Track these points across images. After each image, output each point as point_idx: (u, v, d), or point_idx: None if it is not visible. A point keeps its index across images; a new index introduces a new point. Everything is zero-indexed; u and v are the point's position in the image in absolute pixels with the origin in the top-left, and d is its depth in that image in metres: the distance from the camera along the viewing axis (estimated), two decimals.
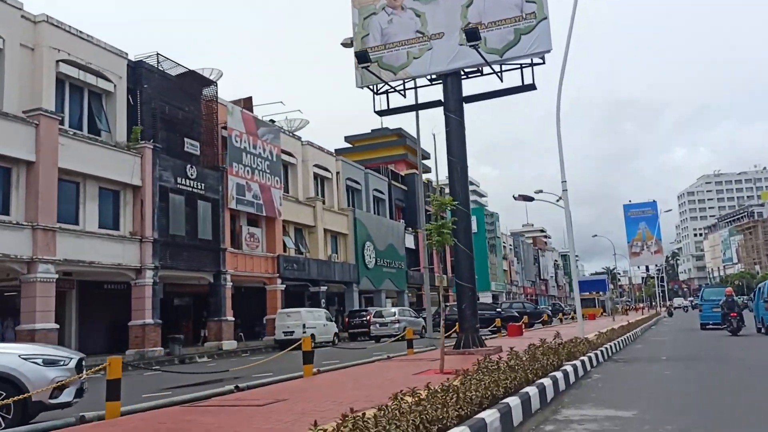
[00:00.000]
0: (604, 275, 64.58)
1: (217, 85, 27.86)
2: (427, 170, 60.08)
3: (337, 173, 40.28)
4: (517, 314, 29.93)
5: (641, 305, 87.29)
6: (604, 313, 56.39)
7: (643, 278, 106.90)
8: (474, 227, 63.64)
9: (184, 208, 25.04)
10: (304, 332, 26.80)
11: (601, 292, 59.27)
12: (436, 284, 53.33)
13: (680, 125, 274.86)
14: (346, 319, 33.92)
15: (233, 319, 27.47)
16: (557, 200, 14.33)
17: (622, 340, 19.01)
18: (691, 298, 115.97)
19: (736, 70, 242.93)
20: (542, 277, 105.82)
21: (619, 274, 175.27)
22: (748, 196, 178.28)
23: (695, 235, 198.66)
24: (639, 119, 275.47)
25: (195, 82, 26.75)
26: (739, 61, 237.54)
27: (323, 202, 38.11)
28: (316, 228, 35.47)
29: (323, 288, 35.15)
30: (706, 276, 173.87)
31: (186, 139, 25.57)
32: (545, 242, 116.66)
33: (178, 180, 24.73)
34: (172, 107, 25.50)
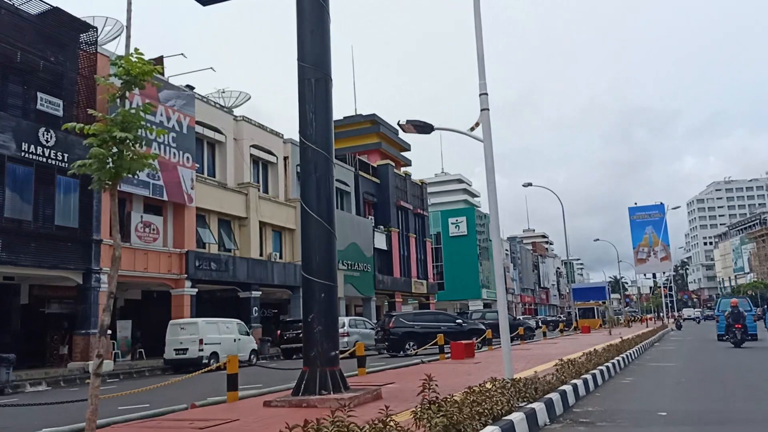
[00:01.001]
0: (604, 282, 57.78)
1: (97, 31, 21.75)
2: (407, 163, 53.78)
3: (285, 158, 34.05)
4: (483, 327, 23.55)
5: (648, 316, 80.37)
6: (603, 326, 49.71)
7: (650, 287, 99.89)
8: (464, 229, 56.92)
9: (33, 184, 18.88)
10: (201, 350, 20.51)
11: (601, 302, 52.62)
12: (412, 290, 46.91)
13: (692, 133, 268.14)
14: (278, 332, 27.58)
15: (112, 331, 21.17)
16: (471, 129, 7.48)
17: (606, 367, 12.60)
18: (700, 310, 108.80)
19: (749, 78, 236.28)
20: (543, 285, 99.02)
21: (627, 283, 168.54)
22: (759, 204, 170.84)
23: (705, 243, 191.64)
24: (651, 127, 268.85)
25: (64, 25, 20.62)
26: (752, 69, 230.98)
27: (260, 190, 31.88)
28: (248, 220, 29.18)
29: (255, 293, 28.83)
30: (717, 286, 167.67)
31: (41, 95, 19.42)
32: (546, 248, 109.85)
33: (23, 146, 18.59)
34: (26, 54, 19.39)
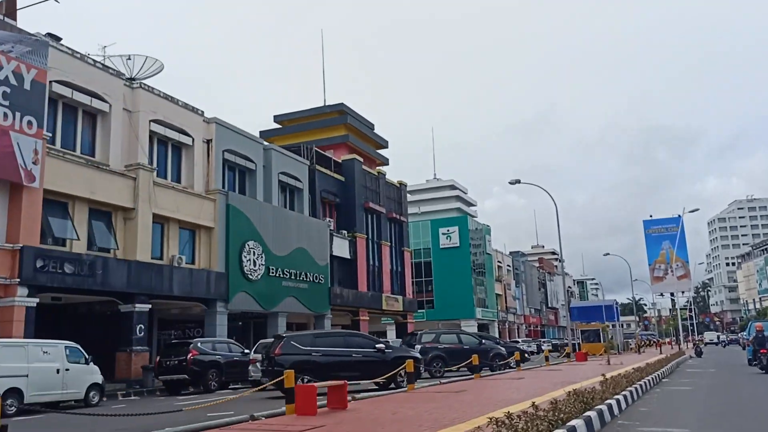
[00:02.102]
0: (611, 301, 50.18)
1: None
2: (383, 162, 47.08)
3: (208, 141, 27.57)
4: (416, 356, 16.77)
5: (667, 340, 72.35)
6: (611, 351, 42.21)
7: (669, 309, 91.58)
8: (456, 240, 49.61)
9: None
10: None
11: (609, 324, 45.13)
12: (383, 307, 39.85)
13: (714, 153, 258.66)
14: (157, 359, 20.84)
15: None
16: None
17: None
18: (725, 333, 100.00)
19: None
20: (551, 305, 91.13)
21: (645, 305, 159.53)
22: None
23: (728, 264, 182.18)
24: (672, 146, 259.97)
25: None
26: None
27: (168, 177, 25.38)
28: (136, 212, 22.59)
29: (141, 306, 22.12)
30: (740, 308, 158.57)
31: None
32: (555, 266, 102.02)
33: None
34: None
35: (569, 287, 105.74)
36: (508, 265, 75.55)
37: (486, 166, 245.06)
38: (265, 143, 32.01)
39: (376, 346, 16.26)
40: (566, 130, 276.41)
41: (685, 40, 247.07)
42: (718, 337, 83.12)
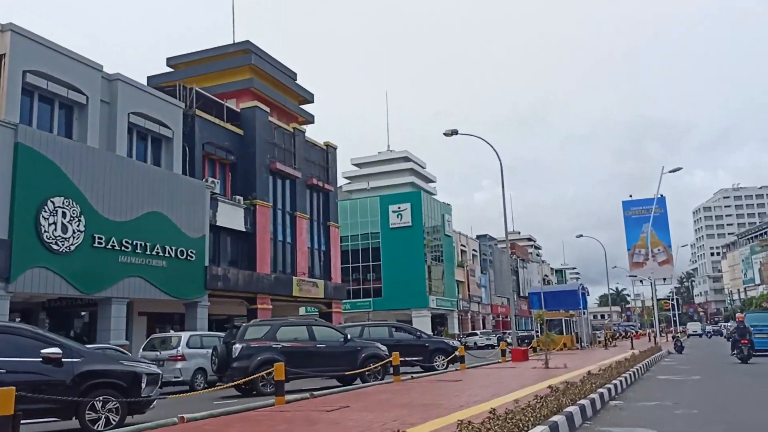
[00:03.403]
0: (575, 285, 42.37)
1: None
2: (306, 120, 38.97)
3: (0, 56, 19.44)
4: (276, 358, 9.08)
5: (641, 332, 65.07)
6: (574, 346, 34.50)
7: (652, 299, 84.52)
8: (407, 219, 39.33)
9: None
10: None
11: (574, 312, 37.43)
12: (294, 294, 32.03)
13: (704, 147, 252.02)
14: None
15: None
16: None
17: None
18: (711, 325, 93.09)
19: (762, 91, 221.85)
20: (523, 294, 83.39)
21: (629, 295, 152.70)
22: None
23: (712, 254, 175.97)
24: (663, 141, 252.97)
25: None
26: (762, 84, 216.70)
27: None
28: None
29: None
30: (725, 299, 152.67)
31: None
32: (530, 252, 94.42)
33: None
34: None
35: (546, 276, 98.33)
36: (474, 250, 67.79)
37: (477, 159, 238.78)
38: (107, 72, 23.74)
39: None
40: (558, 124, 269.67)
41: (678, 34, 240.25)
42: (704, 329, 76.02)
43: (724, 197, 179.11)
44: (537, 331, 36.81)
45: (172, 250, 24.00)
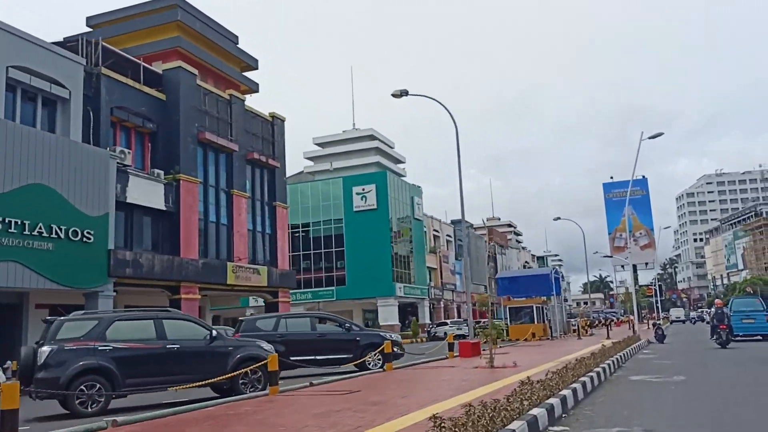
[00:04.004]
0: (548, 269, 38.80)
1: None
2: (251, 89, 34.99)
3: None
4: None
5: (622, 319, 62.06)
6: (544, 336, 31.06)
7: (634, 284, 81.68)
8: (372, 201, 36.10)
9: None
10: None
11: (546, 298, 33.98)
12: (229, 282, 28.23)
13: (689, 135, 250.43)
14: None
15: None
16: None
17: None
18: (695, 311, 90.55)
19: (746, 79, 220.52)
20: None
21: (612, 282, 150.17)
22: (753, 198, 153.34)
23: (695, 240, 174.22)
24: (649, 129, 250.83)
25: None
26: (750, 71, 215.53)
27: None
28: None
29: None
30: (708, 285, 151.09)
31: None
32: (508, 238, 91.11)
33: None
34: None
35: (526, 262, 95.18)
36: (449, 235, 64.25)
37: (464, 148, 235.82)
38: None
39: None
40: (545, 114, 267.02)
41: (664, 22, 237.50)
42: (688, 315, 73.29)
43: (707, 183, 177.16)
44: (507, 321, 33.33)
45: (61, 230, 20.02)
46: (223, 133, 29.17)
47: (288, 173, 35.88)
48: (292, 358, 15.18)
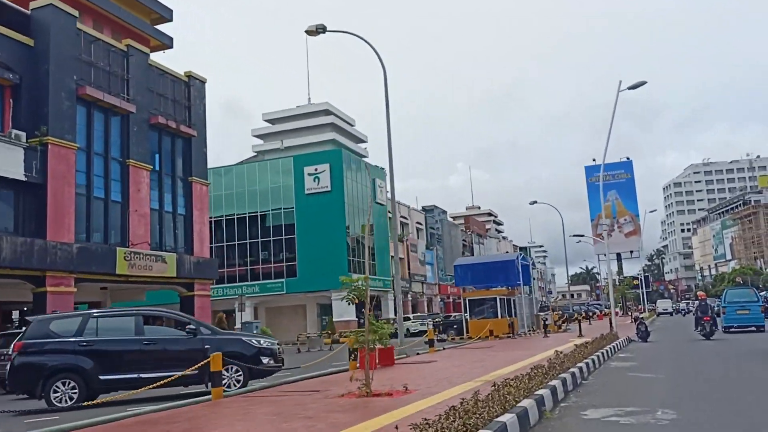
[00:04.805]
0: (512, 255, 33.78)
1: None
2: (163, 44, 29.64)
3: None
4: None
5: (602, 312, 57.53)
6: (505, 334, 26.11)
7: (617, 273, 77.26)
8: (326, 182, 31.48)
9: None
10: None
11: (512, 289, 29.04)
12: (119, 271, 23.10)
13: (676, 127, 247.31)
14: None
15: None
16: None
17: None
18: (685, 302, 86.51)
19: (733, 71, 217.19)
20: None
21: (599, 273, 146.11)
22: (740, 188, 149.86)
23: (683, 230, 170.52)
24: (637, 121, 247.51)
25: None
26: (736, 63, 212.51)
27: None
28: None
29: None
30: (695, 276, 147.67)
31: None
32: (487, 228, 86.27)
33: None
34: None
35: (506, 252, 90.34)
36: (419, 223, 59.19)
37: (453, 141, 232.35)
38: None
39: None
40: (533, 106, 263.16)
41: (651, 13, 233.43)
42: (677, 306, 68.82)
43: (694, 172, 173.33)
44: (467, 316, 28.36)
45: None
46: (115, 90, 23.87)
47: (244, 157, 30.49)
48: (103, 377, 10.13)
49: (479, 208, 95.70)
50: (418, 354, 16.90)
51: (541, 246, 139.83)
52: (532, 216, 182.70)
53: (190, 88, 28.20)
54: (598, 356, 13.25)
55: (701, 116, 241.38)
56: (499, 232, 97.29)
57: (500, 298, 27.40)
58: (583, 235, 47.07)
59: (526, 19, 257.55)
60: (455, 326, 30.44)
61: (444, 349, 19.27)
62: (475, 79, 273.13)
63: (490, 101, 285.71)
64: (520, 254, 30.36)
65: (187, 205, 27.53)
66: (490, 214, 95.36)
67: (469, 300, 28.40)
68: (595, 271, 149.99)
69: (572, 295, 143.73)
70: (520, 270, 28.13)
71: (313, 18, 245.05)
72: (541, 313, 30.45)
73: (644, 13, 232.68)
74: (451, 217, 76.06)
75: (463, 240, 68.52)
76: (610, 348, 16.06)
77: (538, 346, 17.77)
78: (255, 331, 28.02)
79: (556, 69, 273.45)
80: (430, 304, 56.50)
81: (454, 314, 44.38)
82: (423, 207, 61.45)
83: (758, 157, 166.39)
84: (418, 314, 44.15)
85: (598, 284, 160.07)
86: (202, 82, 29.14)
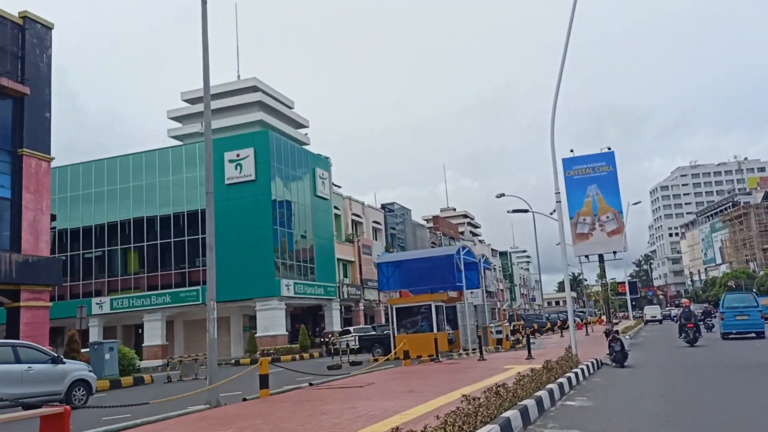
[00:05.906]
0: (453, 249, 26.99)
1: None
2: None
3: None
4: None
5: (599, 319, 51.07)
6: (437, 355, 19.22)
7: (599, 277, 70.98)
8: (249, 170, 25.23)
9: None
10: None
11: (453, 293, 22.16)
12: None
13: (663, 133, 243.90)
14: None
15: None
16: None
17: None
18: (677, 308, 79.87)
19: (717, 77, 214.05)
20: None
21: (585, 279, 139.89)
22: (728, 190, 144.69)
23: (671, 235, 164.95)
24: (623, 127, 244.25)
25: None
26: (721, 68, 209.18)
27: None
28: None
29: None
30: (684, 281, 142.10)
31: None
32: (461, 231, 79.52)
33: None
34: None
35: (483, 255, 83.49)
36: (377, 222, 52.29)
37: (442, 148, 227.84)
38: None
39: None
40: (520, 113, 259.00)
41: (637, 19, 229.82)
42: (669, 313, 62.31)
43: (681, 175, 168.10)
44: (393, 328, 21.45)
45: None
46: None
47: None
48: None
49: (455, 209, 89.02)
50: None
51: (524, 251, 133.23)
52: (525, 225, 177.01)
53: (24, 34, 21.24)
54: (525, 407, 6.43)
55: (686, 122, 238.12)
56: (476, 235, 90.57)
57: (436, 306, 20.55)
58: (587, 257, 40.71)
59: (513, 24, 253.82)
60: (383, 343, 23.44)
61: (299, 388, 12.36)
62: (462, 84, 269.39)
63: (480, 106, 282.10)
64: (464, 247, 23.48)
65: (15, 185, 20.46)
66: (465, 216, 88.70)
67: (396, 308, 21.46)
68: (581, 277, 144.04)
69: (557, 302, 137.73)
70: (463, 269, 21.28)
71: (305, 15, 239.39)
72: (491, 325, 23.53)
73: (630, 20, 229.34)
74: (424, 219, 69.36)
75: (432, 242, 61.70)
76: (562, 382, 9.24)
77: (440, 383, 10.86)
78: (108, 355, 20.97)
79: (544, 76, 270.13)
80: (375, 316, 49.52)
81: (383, 327, 35.42)
82: (382, 204, 54.60)
83: (746, 159, 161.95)
84: (361, 326, 37.21)
85: (587, 291, 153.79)
86: (48, 27, 22.19)
